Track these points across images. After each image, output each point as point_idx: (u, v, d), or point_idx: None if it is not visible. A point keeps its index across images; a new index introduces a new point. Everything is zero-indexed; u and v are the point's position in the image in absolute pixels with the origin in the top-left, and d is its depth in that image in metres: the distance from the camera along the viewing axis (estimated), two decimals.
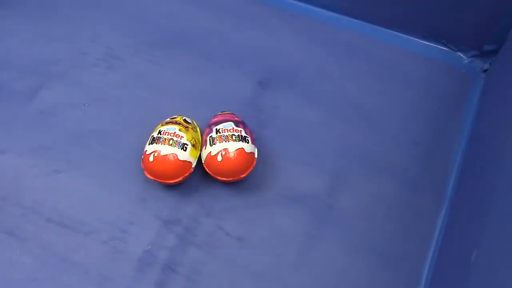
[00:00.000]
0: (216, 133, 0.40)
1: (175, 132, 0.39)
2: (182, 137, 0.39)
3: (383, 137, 0.46)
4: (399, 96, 0.49)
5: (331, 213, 0.42)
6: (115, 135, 0.44)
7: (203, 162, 0.41)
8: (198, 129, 0.43)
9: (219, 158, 0.39)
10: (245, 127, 0.41)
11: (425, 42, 0.53)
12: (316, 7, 0.55)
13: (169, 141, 0.39)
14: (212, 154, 0.39)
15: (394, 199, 0.43)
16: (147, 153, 0.39)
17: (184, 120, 0.42)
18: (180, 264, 0.39)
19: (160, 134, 0.40)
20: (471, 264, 0.32)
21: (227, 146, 0.39)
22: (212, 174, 0.40)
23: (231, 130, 0.40)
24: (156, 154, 0.38)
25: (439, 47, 0.53)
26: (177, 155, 0.38)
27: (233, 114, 0.43)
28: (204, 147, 0.41)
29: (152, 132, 0.41)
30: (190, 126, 0.42)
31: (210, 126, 0.41)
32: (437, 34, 0.52)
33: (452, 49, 0.52)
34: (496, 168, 0.36)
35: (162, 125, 0.41)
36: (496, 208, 0.33)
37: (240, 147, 0.39)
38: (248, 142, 0.40)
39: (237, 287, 0.38)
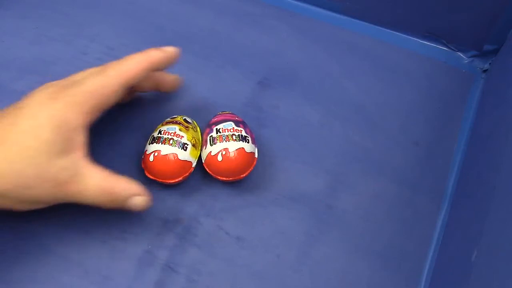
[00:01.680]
0: (216, 133, 0.40)
1: (175, 132, 0.39)
2: (182, 136, 0.39)
3: (383, 137, 0.46)
4: (399, 96, 0.49)
5: (331, 213, 0.42)
6: (115, 135, 0.44)
7: (203, 162, 0.41)
8: (198, 128, 0.43)
9: (220, 158, 0.39)
10: (245, 127, 0.41)
11: (425, 42, 0.53)
12: (317, 7, 0.55)
13: (169, 140, 0.39)
14: (213, 154, 0.39)
15: (394, 199, 0.43)
16: (147, 152, 0.39)
17: (185, 120, 0.42)
18: (180, 264, 0.39)
19: (161, 134, 0.39)
20: (471, 264, 0.32)
21: (227, 146, 0.39)
22: (212, 174, 0.40)
23: (231, 130, 0.40)
24: (156, 154, 0.38)
25: (439, 47, 0.53)
26: (177, 155, 0.38)
27: (233, 114, 0.43)
28: (204, 147, 0.41)
29: (153, 132, 0.41)
30: (191, 126, 0.41)
31: (210, 126, 0.41)
32: (437, 34, 0.52)
33: (452, 49, 0.52)
34: (496, 168, 0.36)
35: (163, 125, 0.41)
36: (496, 208, 0.33)
37: (241, 146, 0.39)
38: (248, 142, 0.40)
39: (238, 287, 0.38)
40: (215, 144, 0.39)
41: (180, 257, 0.39)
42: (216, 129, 0.40)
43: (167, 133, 0.39)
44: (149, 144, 0.40)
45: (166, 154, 0.38)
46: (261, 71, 0.50)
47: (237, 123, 0.41)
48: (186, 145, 0.39)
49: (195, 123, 0.43)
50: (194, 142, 0.40)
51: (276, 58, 0.51)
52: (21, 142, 0.30)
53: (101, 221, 0.40)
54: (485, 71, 0.51)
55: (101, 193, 0.34)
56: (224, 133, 0.40)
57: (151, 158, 0.38)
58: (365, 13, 0.53)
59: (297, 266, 0.39)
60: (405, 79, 0.50)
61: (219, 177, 0.40)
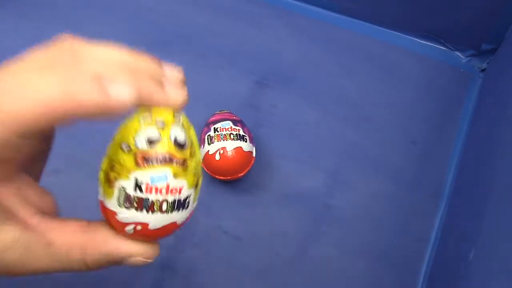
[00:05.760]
0: (214, 132, 0.40)
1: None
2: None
3: (381, 137, 0.46)
4: (397, 95, 0.49)
5: (329, 212, 0.42)
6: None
7: (201, 161, 0.41)
8: (195, 138, 0.24)
9: (217, 157, 0.39)
10: (243, 126, 0.41)
11: (423, 42, 0.53)
12: (315, 7, 0.55)
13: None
14: (210, 153, 0.39)
15: (392, 199, 0.43)
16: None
17: (177, 143, 0.21)
18: (177, 263, 0.39)
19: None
20: (469, 263, 0.32)
21: (225, 145, 0.39)
22: (210, 173, 0.40)
23: (229, 129, 0.40)
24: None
25: (437, 46, 0.53)
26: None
27: (231, 113, 0.43)
28: (202, 146, 0.41)
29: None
30: (188, 152, 0.22)
31: (208, 125, 0.42)
32: (436, 33, 0.52)
33: (450, 49, 0.52)
34: (494, 167, 0.36)
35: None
36: (493, 207, 0.33)
37: (238, 145, 0.39)
38: (246, 141, 0.40)
39: (235, 286, 0.38)
40: (212, 143, 0.39)
41: (177, 256, 0.39)
42: (214, 128, 0.40)
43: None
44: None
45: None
46: (259, 70, 0.50)
47: (235, 122, 0.41)
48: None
49: (191, 127, 0.42)
50: (197, 180, 0.40)
51: (274, 57, 0.51)
52: None
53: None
54: (483, 70, 0.51)
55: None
56: (222, 132, 0.40)
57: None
58: (363, 13, 0.53)
59: (295, 265, 0.39)
60: (403, 79, 0.50)
61: (217, 176, 0.40)
